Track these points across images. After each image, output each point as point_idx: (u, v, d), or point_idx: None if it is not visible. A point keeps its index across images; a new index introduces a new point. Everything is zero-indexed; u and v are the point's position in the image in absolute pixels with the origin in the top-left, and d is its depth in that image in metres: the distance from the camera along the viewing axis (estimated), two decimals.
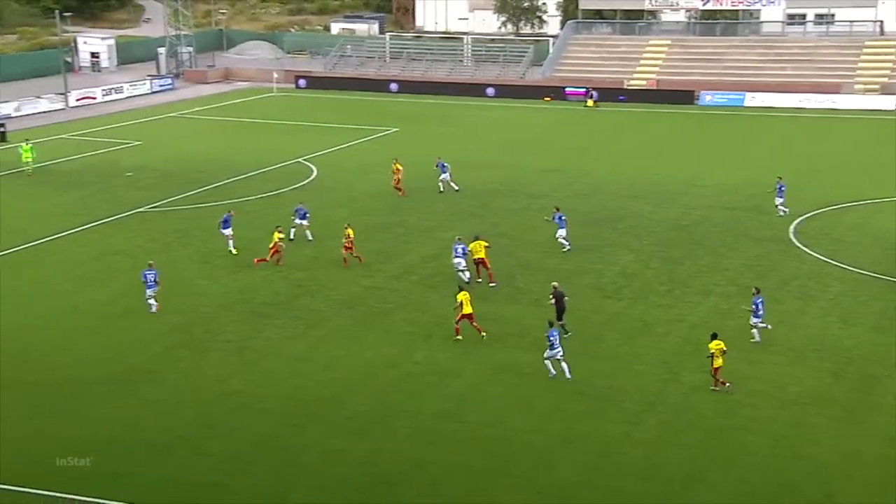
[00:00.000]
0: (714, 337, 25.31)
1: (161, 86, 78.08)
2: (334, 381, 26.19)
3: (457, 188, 45.33)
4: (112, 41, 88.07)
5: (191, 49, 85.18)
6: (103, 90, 73.03)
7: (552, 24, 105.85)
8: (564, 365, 25.87)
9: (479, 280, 33.30)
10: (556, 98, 76.28)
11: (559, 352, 25.77)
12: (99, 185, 46.46)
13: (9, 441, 22.68)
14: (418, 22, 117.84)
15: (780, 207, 41.45)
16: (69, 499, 20.12)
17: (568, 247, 36.71)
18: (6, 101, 64.73)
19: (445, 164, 46.30)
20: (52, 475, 21.14)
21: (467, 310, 28.11)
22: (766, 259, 36.42)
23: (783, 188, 41.59)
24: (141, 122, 64.53)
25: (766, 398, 25.17)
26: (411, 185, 46.97)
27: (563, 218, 36.88)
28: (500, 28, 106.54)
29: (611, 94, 75.30)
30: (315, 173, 49.77)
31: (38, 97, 67.83)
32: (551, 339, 25.69)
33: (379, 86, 79.44)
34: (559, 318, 28.54)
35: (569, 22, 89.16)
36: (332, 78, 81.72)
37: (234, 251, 35.89)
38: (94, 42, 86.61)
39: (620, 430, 23.60)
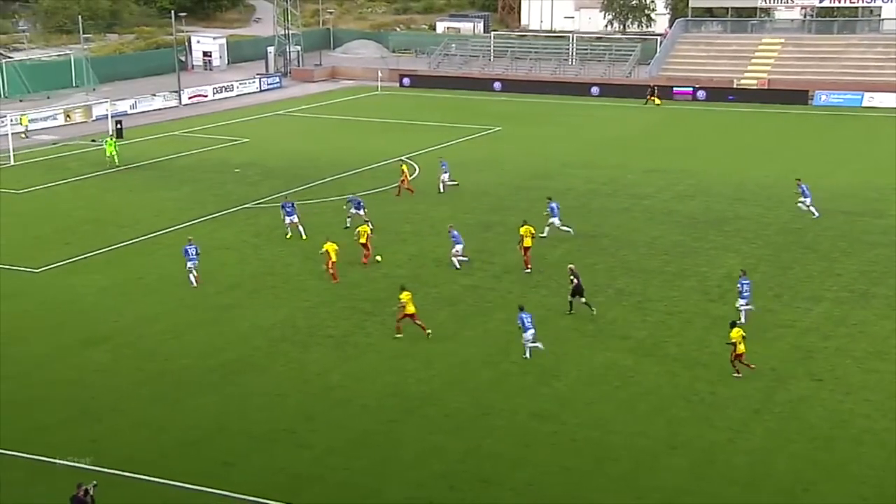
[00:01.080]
0: (733, 325, 26.07)
1: (269, 84, 79.86)
2: (433, 378, 26.34)
3: (455, 183, 44.07)
4: (223, 41, 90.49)
5: (299, 48, 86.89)
6: (214, 88, 75.11)
7: (660, 23, 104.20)
8: (532, 346, 26.87)
9: (528, 270, 34.05)
10: (662, 97, 75.03)
11: (532, 333, 26.77)
12: (209, 180, 47.81)
13: (126, 428, 23.52)
14: (523, 20, 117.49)
15: (810, 208, 40.43)
16: (178, 486, 20.79)
17: (560, 231, 37.44)
18: (123, 99, 67.14)
19: (445, 163, 45.82)
20: (166, 462, 21.84)
21: (410, 310, 28.35)
22: (882, 264, 35.09)
23: (805, 188, 40.72)
24: (249, 119, 66.13)
25: (881, 408, 24.25)
26: (517, 183, 46.82)
27: (554, 207, 37.64)
28: (606, 26, 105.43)
29: (720, 93, 73.76)
30: (417, 171, 50.13)
31: (153, 95, 70.19)
32: (521, 322, 26.88)
33: (482, 85, 79.55)
34: (581, 295, 29.94)
35: (678, 20, 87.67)
36: (435, 77, 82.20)
37: (303, 237, 37.64)
38: (206, 41, 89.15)
39: (724, 437, 23.07)
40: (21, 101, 67.03)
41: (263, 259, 35.86)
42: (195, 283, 32.48)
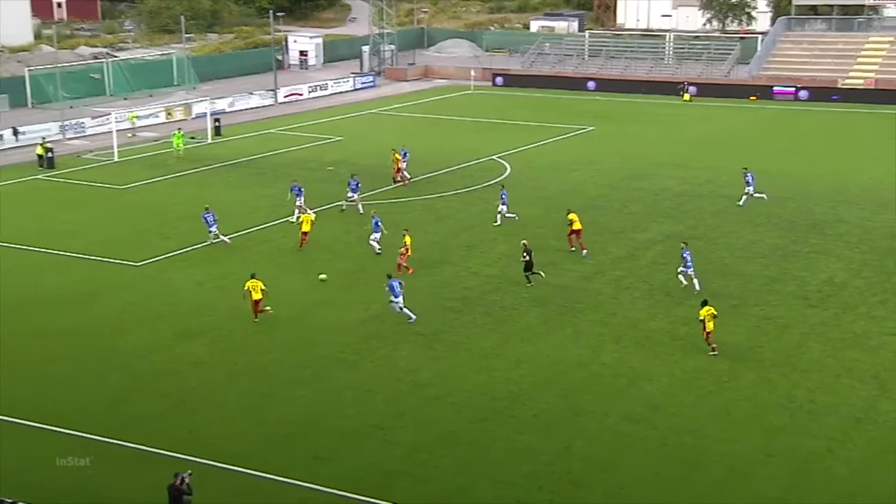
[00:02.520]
0: (704, 304, 27.20)
1: (363, 83, 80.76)
2: (522, 378, 26.26)
3: (513, 216, 40.53)
4: (319, 40, 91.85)
5: (393, 47, 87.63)
6: (309, 87, 76.32)
7: (762, 21, 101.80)
8: (406, 310, 29.23)
9: (573, 249, 35.89)
10: (762, 97, 73.37)
11: (400, 301, 29.16)
12: (302, 178, 48.48)
13: (221, 420, 24.09)
14: (619, 19, 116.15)
15: (754, 195, 42.06)
16: (270, 479, 21.20)
17: (514, 217, 39.12)
18: (222, 97, 68.69)
19: (408, 152, 46.90)
20: (259, 454, 22.29)
21: (256, 296, 29.58)
22: None
23: (749, 177, 42.26)
24: (343, 118, 67.00)
25: None
26: (609, 183, 46.34)
27: (504, 195, 39.50)
28: (704, 25, 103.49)
29: (823, 93, 71.75)
30: (509, 171, 50.07)
31: (251, 93, 71.69)
32: (390, 288, 29.28)
33: (576, 84, 78.97)
34: (531, 269, 32.50)
35: (780, 18, 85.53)
36: (529, 76, 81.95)
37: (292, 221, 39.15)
38: (302, 41, 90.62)
39: (824, 447, 22.42)
40: (125, 99, 69.18)
41: (355, 256, 36.26)
42: (229, 242, 36.21)
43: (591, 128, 62.57)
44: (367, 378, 26.33)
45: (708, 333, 26.91)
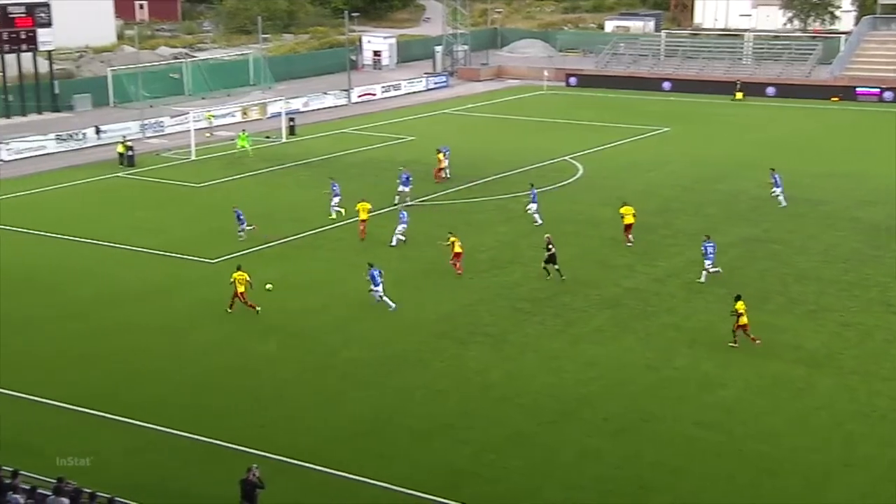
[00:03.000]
0: (738, 298, 27.54)
1: (436, 83, 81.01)
2: (592, 380, 26.06)
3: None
4: (393, 40, 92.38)
5: (466, 47, 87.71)
6: (383, 87, 76.83)
7: (845, 20, 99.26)
8: (386, 299, 30.31)
9: (630, 244, 36.38)
10: (844, 98, 71.59)
11: (380, 290, 30.25)
12: (374, 177, 48.93)
13: (291, 416, 24.40)
14: (697, 19, 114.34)
15: (777, 196, 42.07)
16: (339, 475, 21.40)
17: (539, 222, 39.06)
18: (296, 97, 69.58)
19: (448, 150, 47.45)
20: (329, 451, 22.53)
21: (240, 288, 30.39)
22: None
23: (776, 178, 42.23)
24: (416, 118, 67.30)
25: None
26: (684, 185, 45.66)
27: (535, 193, 40.18)
28: (785, 24, 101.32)
29: None
30: (581, 172, 49.73)
31: (325, 93, 72.45)
32: (371, 277, 30.42)
33: (651, 84, 78.07)
34: (553, 262, 32.98)
35: (865, 17, 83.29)
36: (603, 76, 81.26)
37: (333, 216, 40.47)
38: (376, 41, 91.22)
39: None
40: (203, 98, 70.53)
41: (426, 256, 36.37)
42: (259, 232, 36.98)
43: (665, 129, 61.80)
44: (436, 377, 26.41)
45: (744, 326, 27.27)
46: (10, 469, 18.48)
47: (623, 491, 20.84)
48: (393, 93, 77.03)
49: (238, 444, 22.51)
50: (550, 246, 33.14)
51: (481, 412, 24.37)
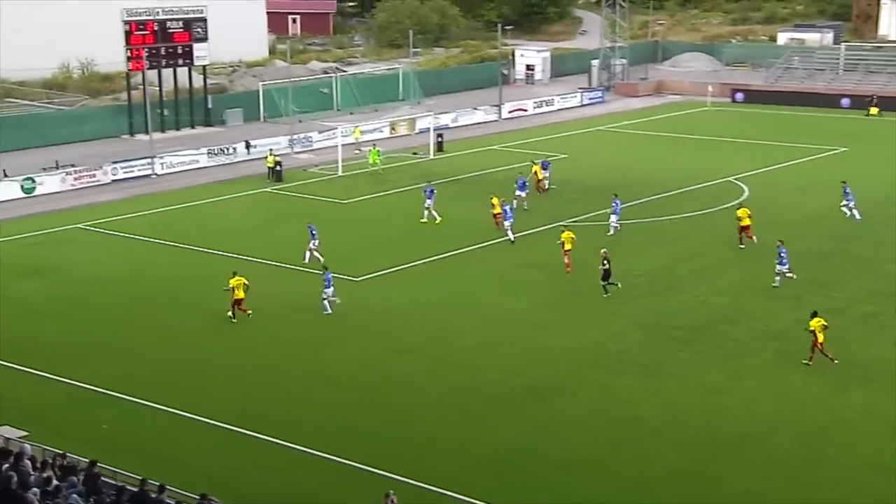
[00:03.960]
0: (814, 315, 27.90)
1: (591, 99, 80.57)
2: (755, 417, 25.24)
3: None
4: (547, 54, 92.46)
5: (624, 61, 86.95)
6: (535, 102, 76.93)
7: None
8: (327, 303, 32.38)
9: (742, 246, 38.43)
10: None
11: (330, 292, 32.47)
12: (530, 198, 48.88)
13: (432, 439, 24.68)
14: (882, 30, 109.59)
15: (850, 210, 42.39)
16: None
17: (613, 231, 40.88)
18: (445, 112, 70.49)
19: (549, 163, 48.77)
20: (468, 478, 22.60)
21: (239, 294, 31.82)
22: None
23: (848, 190, 42.61)
24: (568, 134, 67.06)
25: None
26: (861, 209, 43.75)
27: (618, 203, 41.41)
28: None
29: None
30: (746, 193, 48.39)
31: (475, 108, 73.08)
32: (326, 281, 32.59)
33: (828, 101, 75.24)
34: (608, 279, 33.65)
35: None
36: (773, 91, 78.91)
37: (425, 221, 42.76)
38: (530, 55, 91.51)
39: None
40: (351, 113, 72.45)
41: (574, 279, 36.15)
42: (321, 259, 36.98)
43: (843, 149, 59.42)
44: (583, 407, 26.15)
45: (821, 345, 27.62)
46: (157, 483, 19.31)
47: None
48: (545, 108, 77.04)
49: (376, 468, 22.84)
50: (605, 261, 33.71)
51: (632, 446, 23.95)
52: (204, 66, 67.37)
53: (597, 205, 46.31)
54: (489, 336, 31.17)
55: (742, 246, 38.60)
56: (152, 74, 62.98)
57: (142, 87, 62.46)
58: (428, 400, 26.79)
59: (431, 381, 28.01)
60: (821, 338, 27.63)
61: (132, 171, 54.21)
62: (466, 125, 70.43)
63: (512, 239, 40.26)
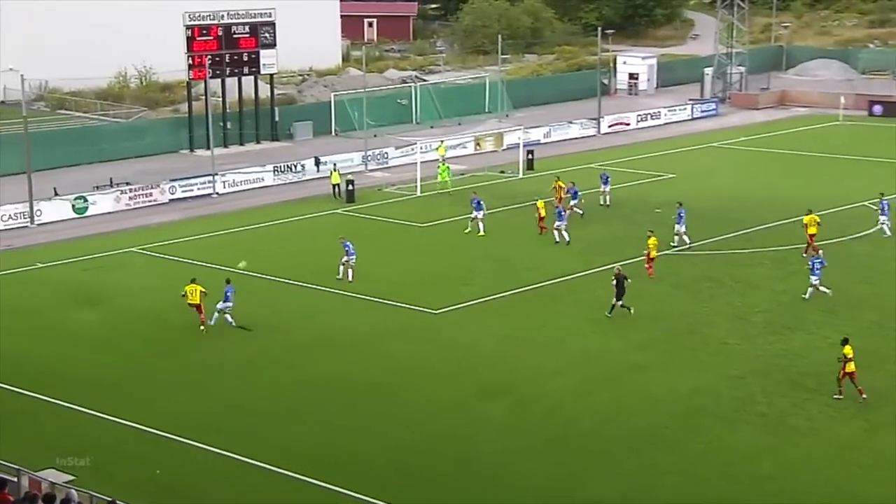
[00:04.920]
0: (845, 342, 28.79)
1: (703, 111, 79.90)
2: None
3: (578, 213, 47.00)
4: (653, 61, 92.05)
5: (742, 69, 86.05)
6: (638, 115, 76.61)
7: None
8: (218, 315, 34.55)
9: (805, 255, 40.26)
10: None
11: (227, 307, 34.73)
12: (624, 220, 48.63)
13: (521, 492, 24.55)
14: None
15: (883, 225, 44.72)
16: None
17: (686, 243, 43.17)
18: (537, 126, 70.56)
19: (578, 191, 49.57)
20: None
21: (193, 300, 34.21)
22: None
23: (885, 204, 44.78)
24: (677, 151, 66.52)
25: None
26: None
27: (682, 214, 43.71)
28: None
29: None
30: (885, 220, 47.32)
31: (570, 122, 73.01)
32: (226, 295, 34.64)
33: None
34: (619, 298, 35.21)
35: None
36: None
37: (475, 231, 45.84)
38: (633, 62, 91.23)
39: None
40: (432, 127, 73.01)
41: (683, 315, 35.77)
42: (350, 279, 39.47)
43: None
44: (693, 461, 25.79)
45: (851, 374, 28.36)
46: None
47: None
48: (651, 122, 76.65)
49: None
50: (616, 280, 35.40)
51: None
52: (271, 75, 68.65)
53: (709, 230, 45.78)
54: (584, 377, 30.97)
55: (805, 255, 40.50)
56: (215, 84, 64.19)
57: (203, 97, 63.70)
58: (514, 448, 26.68)
59: (518, 428, 27.90)
60: (851, 366, 28.31)
61: (192, 190, 55.49)
62: (560, 141, 70.44)
63: (567, 240, 44.16)
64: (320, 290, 39.37)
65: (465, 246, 45.53)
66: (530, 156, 61.65)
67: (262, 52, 66.08)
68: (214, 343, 34.20)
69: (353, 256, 39.59)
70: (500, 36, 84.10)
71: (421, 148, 58.71)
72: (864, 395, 28.52)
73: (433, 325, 35.70)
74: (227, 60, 64.50)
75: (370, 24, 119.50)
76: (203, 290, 34.62)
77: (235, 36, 64.79)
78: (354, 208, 52.82)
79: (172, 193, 54.66)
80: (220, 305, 35.05)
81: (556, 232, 44.62)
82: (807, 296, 36.50)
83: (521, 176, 59.35)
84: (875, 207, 46.51)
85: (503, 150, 66.71)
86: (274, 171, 58.97)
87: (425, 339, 34.45)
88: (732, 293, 38.04)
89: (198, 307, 34.56)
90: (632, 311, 35.26)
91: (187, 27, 62.30)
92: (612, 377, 30.96)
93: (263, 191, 57.11)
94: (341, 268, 39.82)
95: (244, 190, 57.09)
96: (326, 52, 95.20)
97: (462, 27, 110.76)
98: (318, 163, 59.89)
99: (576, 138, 71.52)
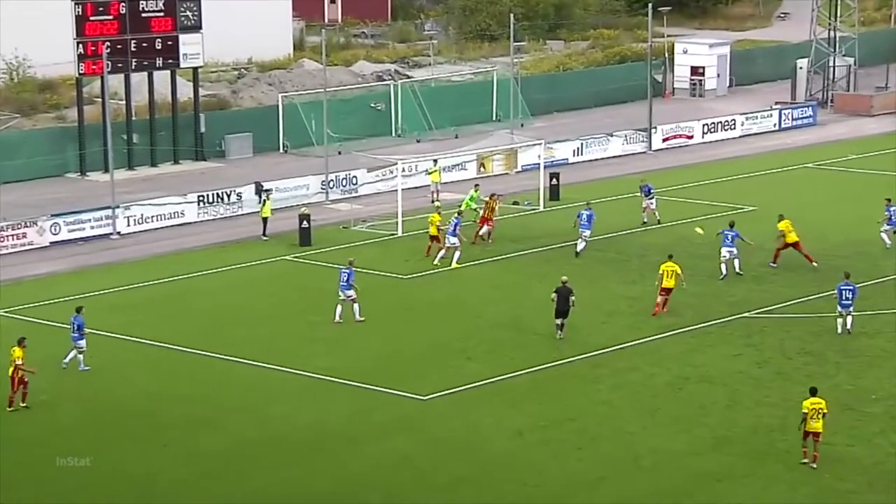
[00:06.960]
0: (813, 392, 31.71)
1: (796, 119, 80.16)
2: None
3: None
4: (726, 49, 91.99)
5: (850, 61, 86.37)
6: (705, 125, 76.62)
7: None
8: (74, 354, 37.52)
9: (774, 265, 47.85)
10: None
11: (81, 344, 38.30)
12: (687, 269, 48.39)
13: None
14: None
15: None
16: None
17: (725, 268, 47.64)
18: (564, 140, 70.22)
19: (593, 215, 52.15)
20: None
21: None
22: None
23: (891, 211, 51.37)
24: (759, 174, 66.60)
25: None
26: None
27: (729, 234, 48.36)
28: None
29: None
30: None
31: (609, 135, 72.61)
32: (76, 327, 38.35)
33: None
34: (563, 317, 40.68)
35: None
36: None
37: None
38: (697, 50, 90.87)
39: None
40: (419, 141, 72.82)
41: (770, 403, 35.77)
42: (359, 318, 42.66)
43: None
44: None
45: (814, 435, 31.44)
46: None
47: None
48: (722, 134, 76.83)
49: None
50: (557, 293, 40.33)
51: None
52: (195, 70, 68.50)
53: (804, 285, 45.83)
54: (634, 492, 30.88)
55: (773, 265, 48.21)
56: (116, 81, 64.20)
57: (100, 100, 63.51)
58: None
59: None
60: (816, 425, 31.33)
61: (82, 229, 55.32)
62: (596, 160, 70.44)
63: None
64: (268, 369, 39.17)
65: (465, 304, 45.39)
66: (555, 181, 61.61)
67: (183, 38, 66.03)
68: (124, 446, 33.91)
69: (354, 291, 42.53)
70: (512, 15, 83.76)
71: (403, 170, 58.58)
72: (814, 465, 31.51)
73: (421, 416, 35.55)
74: (133, 49, 64.23)
75: (332, 1, 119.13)
76: (21, 363, 36.04)
77: (145, 15, 64.51)
78: (311, 253, 52.68)
79: (55, 234, 54.44)
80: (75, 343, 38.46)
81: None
82: (839, 330, 41.14)
83: (541, 208, 59.36)
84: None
85: (516, 172, 66.76)
86: (198, 202, 58.77)
87: (410, 434, 34.28)
88: (839, 373, 37.93)
89: (19, 382, 36.15)
90: (560, 335, 40.37)
91: (77, 3, 61.95)
92: (673, 489, 30.89)
93: (183, 229, 56.99)
94: (339, 307, 41.97)
95: (157, 228, 56.93)
96: (272, 38, 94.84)
97: (460, 4, 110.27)
98: (259, 190, 59.61)
99: (618, 156, 71.58)
